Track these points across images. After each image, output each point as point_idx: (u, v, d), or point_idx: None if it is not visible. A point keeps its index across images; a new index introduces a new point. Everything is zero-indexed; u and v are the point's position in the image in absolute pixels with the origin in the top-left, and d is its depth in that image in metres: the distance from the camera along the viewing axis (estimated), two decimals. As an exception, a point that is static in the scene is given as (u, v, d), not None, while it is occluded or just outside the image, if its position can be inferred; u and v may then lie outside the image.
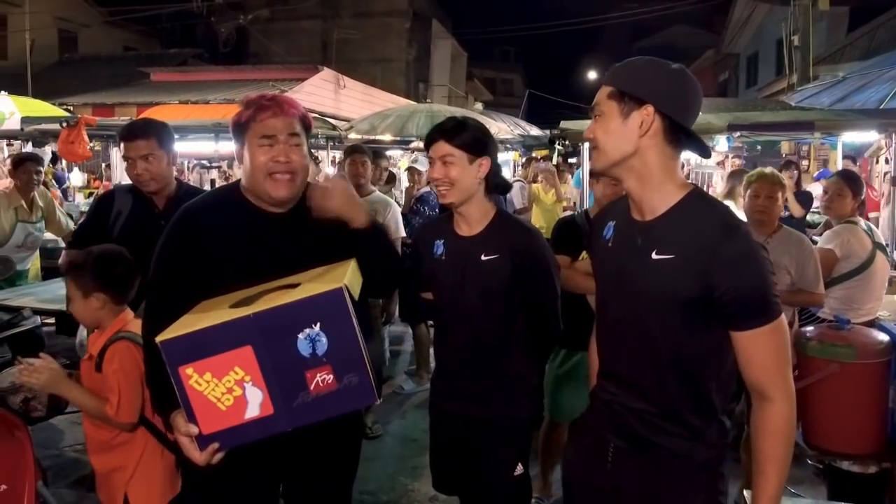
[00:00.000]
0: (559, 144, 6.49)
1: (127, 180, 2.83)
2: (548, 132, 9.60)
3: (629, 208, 1.54)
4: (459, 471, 2.13)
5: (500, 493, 2.07)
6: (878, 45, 11.33)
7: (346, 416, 1.54)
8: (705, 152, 1.62)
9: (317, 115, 9.05)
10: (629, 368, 1.52)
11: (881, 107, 6.30)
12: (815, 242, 3.60)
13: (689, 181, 1.55)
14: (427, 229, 2.31)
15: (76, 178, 10.39)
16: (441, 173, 2.00)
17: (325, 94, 15.01)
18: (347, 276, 1.50)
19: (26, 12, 16.51)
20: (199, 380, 1.41)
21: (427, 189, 5.50)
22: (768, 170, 3.26)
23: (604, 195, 2.80)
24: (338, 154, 7.81)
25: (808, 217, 6.25)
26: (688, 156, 10.16)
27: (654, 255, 1.43)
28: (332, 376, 1.44)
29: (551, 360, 2.89)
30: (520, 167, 10.62)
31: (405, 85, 22.00)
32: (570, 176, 8.85)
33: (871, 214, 5.79)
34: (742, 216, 3.14)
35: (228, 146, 7.54)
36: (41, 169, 4.80)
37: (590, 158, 2.80)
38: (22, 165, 4.64)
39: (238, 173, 1.84)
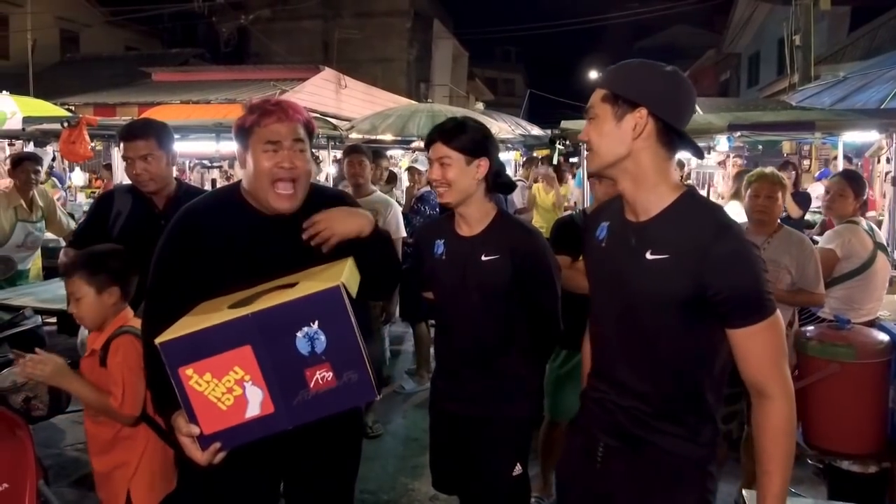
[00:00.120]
0: (560, 144, 6.50)
1: (127, 180, 2.84)
2: (549, 132, 9.60)
3: (623, 209, 1.55)
4: (459, 470, 2.14)
5: (500, 492, 2.08)
6: (880, 45, 11.33)
7: (345, 414, 1.55)
8: (699, 153, 1.64)
9: (318, 115, 9.06)
10: (623, 368, 1.53)
11: (882, 107, 6.29)
12: (815, 242, 3.60)
13: (689, 182, 1.56)
14: (428, 229, 2.32)
15: (77, 177, 10.40)
16: (438, 174, 2.01)
17: (326, 93, 15.02)
18: (345, 275, 1.50)
19: (28, 12, 16.53)
20: (200, 380, 1.42)
21: (427, 189, 5.50)
22: (768, 170, 3.25)
23: (605, 195, 2.80)
24: (339, 154, 7.81)
25: (807, 217, 6.25)
26: (688, 155, 10.17)
27: (648, 256, 1.44)
28: (331, 374, 1.45)
29: (552, 360, 2.89)
30: (521, 167, 10.63)
31: (406, 85, 22.00)
32: (570, 177, 8.84)
33: (869, 214, 5.79)
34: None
35: (229, 146, 7.55)
36: (39, 168, 4.79)
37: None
38: (20, 165, 4.64)
39: (239, 173, 1.84)
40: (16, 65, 16.70)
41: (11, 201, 4.54)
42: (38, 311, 3.49)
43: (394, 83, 20.44)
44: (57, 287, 4.06)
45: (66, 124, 6.18)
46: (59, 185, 9.03)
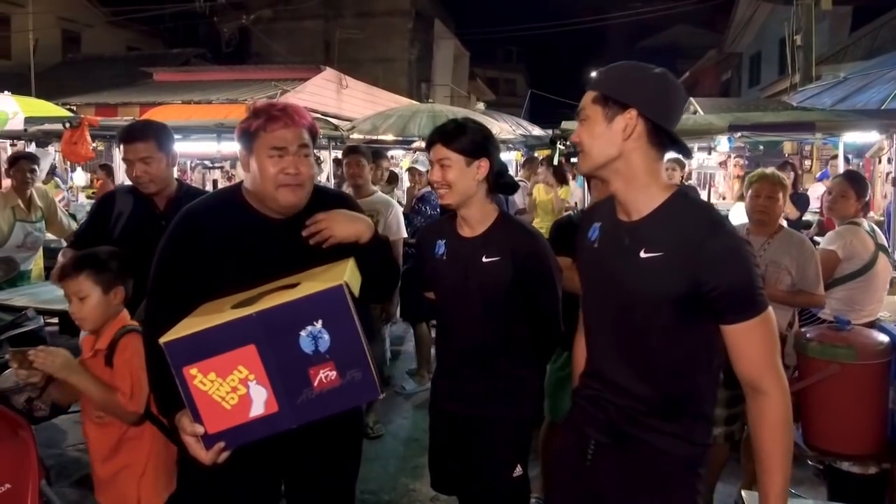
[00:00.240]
0: (561, 144, 6.50)
1: (127, 181, 2.84)
2: (550, 132, 9.60)
3: (614, 209, 1.57)
4: (459, 471, 2.14)
5: (499, 493, 2.08)
6: (881, 45, 11.32)
7: (346, 414, 1.56)
8: (687, 154, 1.66)
9: (319, 116, 9.07)
10: (617, 366, 1.54)
11: (882, 107, 6.29)
12: (815, 243, 3.60)
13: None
14: (429, 229, 2.33)
15: (79, 177, 10.41)
16: (439, 176, 2.02)
17: (327, 93, 15.02)
18: (346, 274, 1.52)
19: (30, 12, 16.55)
20: (204, 379, 1.43)
21: (428, 189, 5.51)
22: (769, 170, 3.26)
23: (603, 195, 2.80)
24: (340, 154, 7.82)
25: (805, 217, 6.25)
26: (689, 156, 10.15)
27: (642, 254, 1.46)
28: (335, 373, 1.46)
29: (552, 361, 2.89)
30: (521, 168, 10.61)
31: (407, 85, 22.00)
32: (572, 177, 8.83)
33: (868, 215, 5.78)
34: None
35: (231, 146, 7.56)
36: (35, 167, 4.72)
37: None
38: (16, 164, 4.59)
39: (241, 174, 1.84)
40: (17, 65, 16.71)
41: (8, 201, 4.49)
42: (40, 312, 3.49)
43: (395, 83, 20.44)
44: (58, 288, 4.05)
45: (67, 125, 6.18)
46: (62, 186, 9.04)
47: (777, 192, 3.07)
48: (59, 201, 6.73)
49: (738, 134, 5.80)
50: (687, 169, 9.99)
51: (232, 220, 1.77)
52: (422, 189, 5.78)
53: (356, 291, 1.57)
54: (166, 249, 1.77)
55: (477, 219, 2.09)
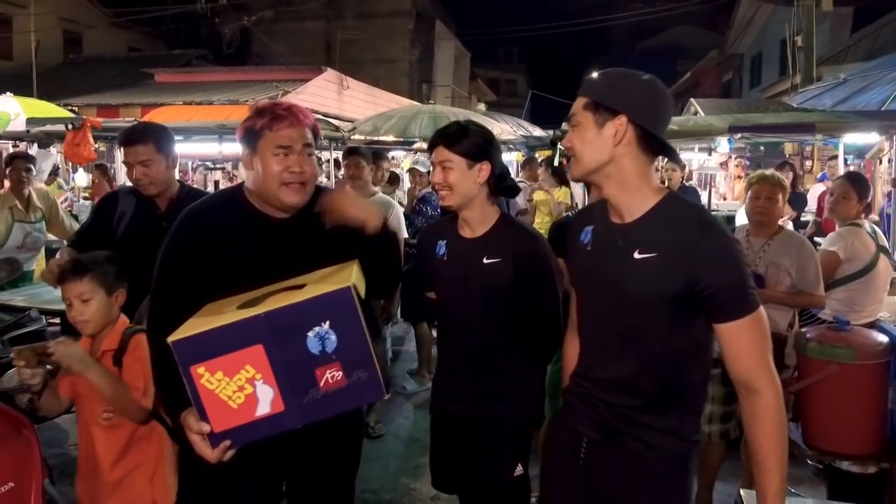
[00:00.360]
0: (561, 145, 6.49)
1: (128, 181, 2.85)
2: (550, 133, 9.61)
3: (606, 212, 1.60)
4: (459, 470, 2.15)
5: (499, 492, 2.09)
6: (882, 46, 11.32)
7: (347, 414, 1.57)
8: (676, 159, 1.71)
9: (320, 116, 9.08)
10: (610, 365, 1.57)
11: (882, 108, 6.29)
12: (815, 244, 3.60)
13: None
14: (431, 230, 2.34)
15: (81, 178, 10.43)
16: (440, 178, 2.04)
17: (328, 94, 15.03)
18: (353, 277, 1.54)
19: (31, 13, 16.55)
20: (211, 378, 1.44)
21: (429, 190, 5.52)
22: (769, 171, 3.27)
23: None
24: (341, 155, 7.83)
25: (802, 217, 6.26)
26: (689, 156, 10.17)
27: (636, 255, 1.49)
28: (341, 373, 1.48)
29: (553, 362, 2.90)
30: (522, 169, 10.61)
31: (408, 86, 22.01)
32: (572, 178, 8.81)
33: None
34: None
35: (232, 147, 7.57)
36: (31, 166, 4.69)
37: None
38: (11, 164, 4.57)
39: (243, 174, 1.86)
40: (19, 66, 16.73)
41: (6, 202, 4.47)
42: (42, 313, 3.50)
43: (396, 84, 20.45)
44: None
45: (70, 126, 6.19)
46: (65, 187, 9.06)
47: (776, 194, 3.08)
48: (62, 202, 6.75)
49: (738, 135, 5.80)
50: (687, 170, 10.02)
51: (234, 220, 1.78)
52: (422, 190, 5.79)
53: (362, 293, 1.59)
54: (169, 250, 1.78)
55: (478, 220, 2.10)
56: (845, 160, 7.16)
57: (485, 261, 2.05)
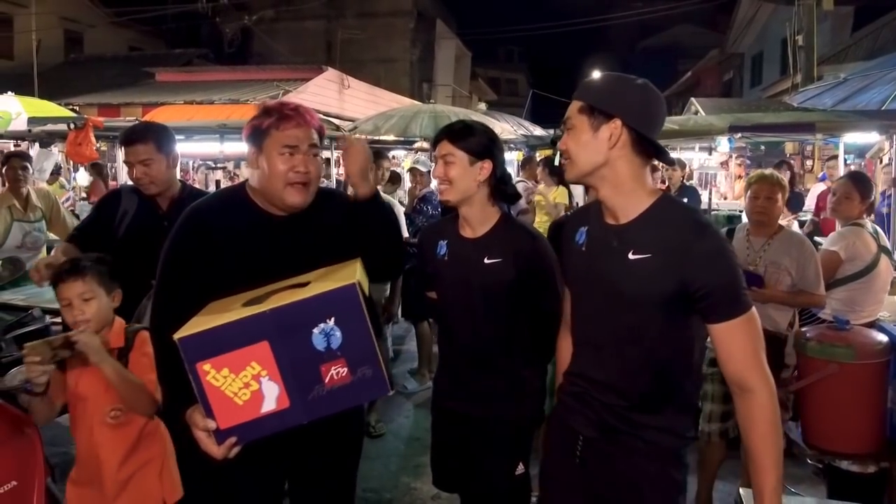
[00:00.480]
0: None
1: (129, 180, 2.86)
2: (551, 132, 9.61)
3: (601, 213, 1.62)
4: (460, 469, 2.16)
5: (500, 492, 2.10)
6: (883, 45, 11.31)
7: (348, 412, 1.58)
8: (669, 161, 1.75)
9: (321, 116, 9.07)
10: (604, 364, 1.59)
11: (883, 108, 6.29)
12: (815, 244, 3.60)
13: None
14: (432, 229, 2.34)
15: (82, 178, 10.44)
16: (441, 172, 2.05)
17: (329, 94, 15.03)
18: (357, 274, 1.55)
19: (32, 13, 16.56)
20: (217, 375, 1.45)
21: (430, 189, 5.53)
22: (768, 171, 3.27)
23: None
24: (341, 154, 7.83)
25: (799, 217, 6.26)
26: (690, 156, 10.18)
27: (630, 256, 1.51)
28: (346, 369, 1.49)
29: (553, 361, 2.91)
30: (522, 169, 10.61)
31: (409, 85, 22.01)
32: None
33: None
34: None
35: (233, 147, 7.59)
36: (27, 164, 4.67)
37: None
38: (7, 163, 4.56)
39: (245, 174, 1.87)
40: (20, 65, 16.75)
41: (4, 201, 4.44)
42: (45, 312, 3.51)
43: (397, 83, 20.45)
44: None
45: (72, 126, 6.20)
46: (67, 187, 9.06)
47: (776, 193, 3.08)
48: (65, 202, 6.75)
49: (739, 134, 5.81)
50: (688, 169, 10.02)
51: (236, 218, 1.79)
52: (423, 189, 5.80)
53: (366, 290, 1.61)
54: (171, 249, 1.79)
55: (478, 220, 2.11)
56: (845, 160, 7.16)
57: (486, 261, 2.06)
